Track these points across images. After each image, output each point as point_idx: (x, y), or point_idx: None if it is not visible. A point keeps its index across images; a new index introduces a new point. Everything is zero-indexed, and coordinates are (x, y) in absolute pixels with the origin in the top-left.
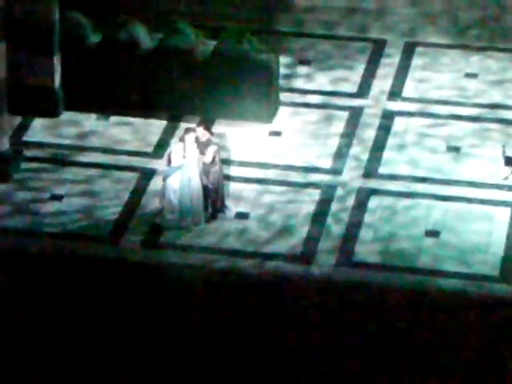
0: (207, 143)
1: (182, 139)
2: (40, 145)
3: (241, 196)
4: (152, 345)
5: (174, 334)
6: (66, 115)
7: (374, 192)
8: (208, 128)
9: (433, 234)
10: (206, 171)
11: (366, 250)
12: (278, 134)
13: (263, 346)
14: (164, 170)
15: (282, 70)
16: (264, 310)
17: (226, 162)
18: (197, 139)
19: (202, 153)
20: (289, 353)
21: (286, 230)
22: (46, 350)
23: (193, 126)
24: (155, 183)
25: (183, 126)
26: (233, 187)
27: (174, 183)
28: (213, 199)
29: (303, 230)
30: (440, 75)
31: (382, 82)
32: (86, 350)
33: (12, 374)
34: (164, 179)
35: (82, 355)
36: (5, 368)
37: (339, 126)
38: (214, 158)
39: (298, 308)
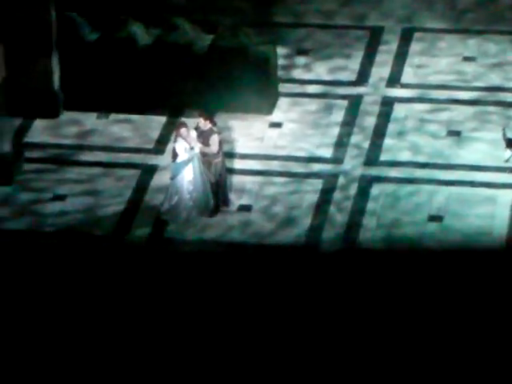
0: (209, 133)
1: (179, 134)
2: (41, 145)
3: (243, 188)
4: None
5: (178, 330)
6: (66, 115)
7: (376, 179)
8: (209, 118)
9: (436, 218)
10: (207, 163)
11: (370, 237)
12: (278, 125)
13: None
14: (172, 168)
15: (280, 61)
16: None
17: (228, 155)
18: (198, 129)
19: (206, 144)
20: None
21: (289, 221)
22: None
23: (187, 119)
24: (157, 179)
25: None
26: (235, 180)
27: (187, 182)
28: (214, 192)
29: (306, 221)
30: (438, 60)
31: (381, 70)
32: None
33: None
34: (172, 178)
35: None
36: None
37: (339, 115)
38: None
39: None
